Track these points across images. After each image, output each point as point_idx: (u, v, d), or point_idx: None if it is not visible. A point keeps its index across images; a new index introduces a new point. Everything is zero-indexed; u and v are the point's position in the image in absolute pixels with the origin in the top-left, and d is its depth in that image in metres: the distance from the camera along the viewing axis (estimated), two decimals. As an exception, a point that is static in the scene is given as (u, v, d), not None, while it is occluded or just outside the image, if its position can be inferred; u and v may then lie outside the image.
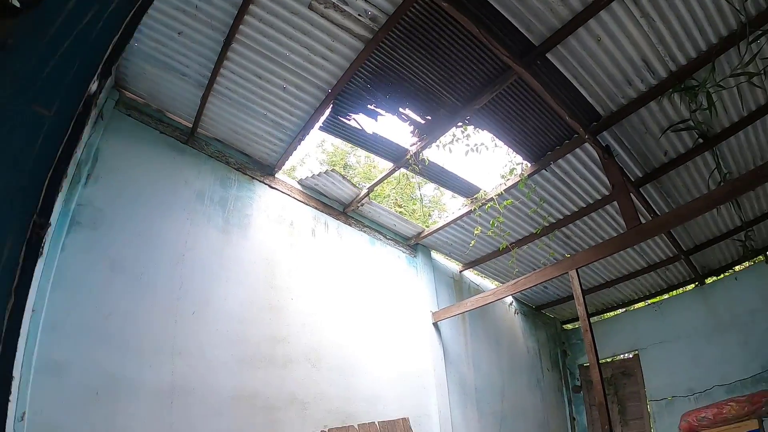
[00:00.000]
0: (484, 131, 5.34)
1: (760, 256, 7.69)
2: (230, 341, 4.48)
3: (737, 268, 8.28)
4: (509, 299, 8.36)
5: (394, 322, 6.08)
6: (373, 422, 5.16)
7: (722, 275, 8.37)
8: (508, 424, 7.13)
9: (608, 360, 9.21)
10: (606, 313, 9.69)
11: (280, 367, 4.73)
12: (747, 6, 4.06)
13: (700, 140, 5.42)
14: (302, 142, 5.26)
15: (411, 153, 5.46)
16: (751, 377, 7.46)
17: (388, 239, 6.52)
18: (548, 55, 4.46)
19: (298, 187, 5.78)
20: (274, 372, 4.68)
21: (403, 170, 6.10)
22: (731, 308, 7.93)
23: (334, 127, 5.21)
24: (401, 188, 12.26)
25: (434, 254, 7.21)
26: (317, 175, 5.81)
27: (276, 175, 5.60)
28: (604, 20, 4.17)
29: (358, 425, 5.04)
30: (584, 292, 8.01)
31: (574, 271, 5.26)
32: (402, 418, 5.36)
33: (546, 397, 8.51)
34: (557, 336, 9.56)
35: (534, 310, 9.13)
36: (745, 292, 7.85)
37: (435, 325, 6.41)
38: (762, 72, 4.54)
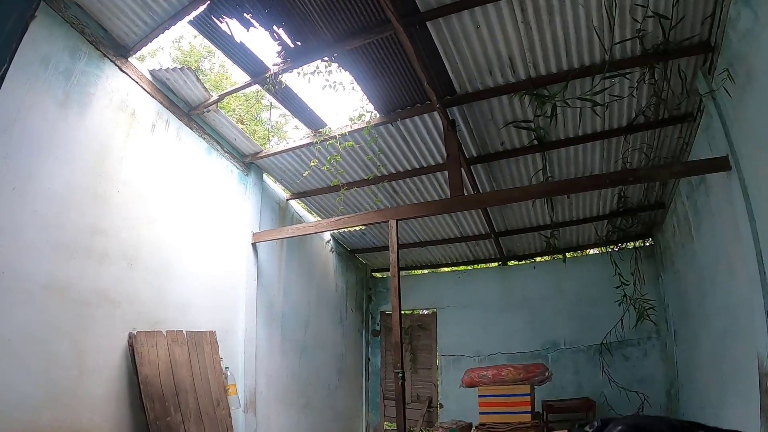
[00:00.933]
0: (347, 72, 5.94)
1: (559, 255, 9.77)
2: (48, 225, 4.55)
3: (538, 258, 10.39)
4: (327, 237, 9.35)
5: (216, 235, 6.58)
6: (182, 331, 5.70)
7: (523, 261, 10.40)
8: (308, 352, 8.25)
9: (408, 312, 10.85)
10: (414, 270, 11.33)
11: (96, 260, 4.95)
12: (614, 48, 5.25)
13: (536, 142, 6.71)
14: (166, 31, 5.38)
15: (271, 72, 5.90)
16: (530, 352, 9.69)
17: (225, 152, 6.88)
18: (429, 24, 5.17)
19: (149, 77, 5.87)
20: (90, 265, 4.88)
21: (257, 87, 6.51)
22: (525, 291, 10.02)
23: (203, 26, 5.45)
24: (249, 106, 12.53)
25: (266, 177, 7.77)
26: (171, 69, 5.93)
27: (129, 59, 5.66)
28: (489, 13, 5.03)
29: (167, 332, 5.52)
30: (399, 246, 9.45)
31: (394, 221, 6.18)
32: (209, 331, 6.02)
33: (347, 335, 9.88)
34: (366, 281, 11.00)
35: (349, 252, 10.30)
36: (539, 281, 9.97)
37: (254, 246, 7.02)
38: (605, 105, 5.93)
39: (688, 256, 7.36)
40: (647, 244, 9.52)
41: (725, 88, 4.98)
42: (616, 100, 5.94)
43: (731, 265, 5.60)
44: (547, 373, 7.44)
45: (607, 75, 5.39)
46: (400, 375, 5.49)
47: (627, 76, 5.56)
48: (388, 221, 6.31)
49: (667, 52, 5.21)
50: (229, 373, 6.10)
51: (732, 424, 5.61)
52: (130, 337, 5.16)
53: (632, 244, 9.43)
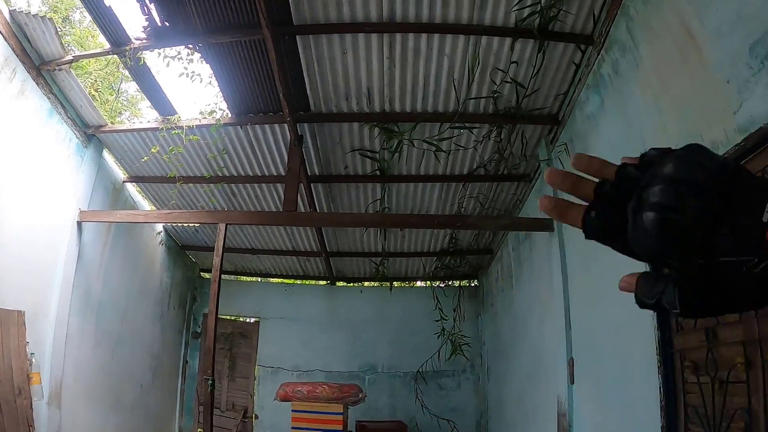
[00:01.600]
0: (207, 66, 5.69)
1: (387, 283, 10.01)
2: None
3: (365, 283, 10.60)
4: (159, 228, 8.75)
5: (38, 205, 5.88)
6: None
7: (351, 284, 10.57)
8: (123, 347, 7.61)
9: (232, 318, 10.56)
10: (243, 275, 11.06)
11: None
12: (468, 102, 5.52)
13: (378, 172, 6.84)
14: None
15: (132, 46, 5.45)
16: (348, 372, 9.89)
17: (68, 117, 6.27)
18: (298, 38, 5.12)
19: (7, 17, 5.28)
20: None
21: (116, 57, 6.03)
22: (349, 313, 10.19)
23: (77, -25, 5.05)
24: (108, 73, 11.64)
25: (106, 154, 7.13)
26: (33, 15, 5.38)
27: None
28: (358, 42, 5.08)
29: None
30: (229, 249, 8.87)
31: (224, 225, 5.98)
32: (18, 311, 5.42)
33: (166, 333, 9.30)
34: (192, 280, 10.49)
35: (179, 248, 9.79)
36: (364, 305, 10.22)
37: (79, 225, 6.30)
38: (449, 152, 6.27)
39: (506, 301, 8.09)
40: (472, 284, 10.34)
41: (560, 160, 5.70)
42: (460, 149, 6.27)
43: (542, 316, 6.24)
44: (361, 395, 7.65)
45: (455, 126, 5.69)
46: (210, 381, 5.31)
47: (473, 130, 5.91)
48: (218, 223, 6.13)
49: (516, 117, 5.61)
50: (34, 360, 5.44)
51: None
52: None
53: (458, 282, 10.08)
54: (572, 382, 5.17)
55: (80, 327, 6.55)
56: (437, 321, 9.07)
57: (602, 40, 4.53)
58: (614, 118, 4.41)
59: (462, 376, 9.86)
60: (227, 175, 7.30)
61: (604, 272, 4.61)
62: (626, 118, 4.19)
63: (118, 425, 7.61)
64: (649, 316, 3.78)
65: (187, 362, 10.23)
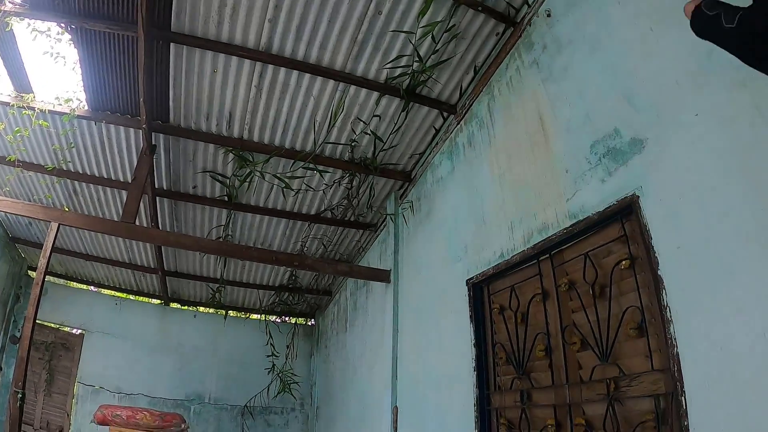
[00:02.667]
0: (75, 51, 5.18)
1: (222, 311, 9.76)
2: None
3: (201, 308, 10.16)
4: None
5: None
6: None
7: (186, 307, 10.07)
8: None
9: (55, 326, 9.54)
10: (73, 281, 9.98)
11: None
12: (325, 146, 5.65)
13: (226, 198, 6.72)
14: None
15: (3, 8, 4.84)
16: (174, 400, 9.25)
17: None
18: (172, 45, 4.92)
19: None
20: None
21: None
22: (180, 337, 9.65)
23: None
24: None
25: None
26: None
27: None
28: (231, 64, 4.99)
29: None
30: (60, 250, 8.47)
31: (57, 224, 5.49)
32: None
33: None
34: (19, 278, 9.21)
35: (8, 239, 8.75)
36: (197, 331, 9.75)
37: None
38: (297, 191, 6.33)
39: (339, 344, 8.15)
40: (309, 323, 10.28)
41: (404, 216, 5.91)
42: (310, 189, 6.35)
43: (372, 362, 6.35)
44: (183, 425, 7.16)
45: (308, 167, 5.77)
46: (20, 395, 4.77)
47: (325, 175, 6.01)
48: (50, 222, 5.53)
49: (370, 168, 5.77)
50: None
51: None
52: None
53: (294, 319, 10.02)
54: (395, 429, 5.30)
55: None
56: (269, 356, 8.91)
57: (464, 111, 4.85)
58: (461, 185, 4.70)
59: (291, 414, 9.68)
60: (72, 171, 6.73)
61: (431, 329, 4.86)
62: (471, 188, 4.49)
63: None
64: (469, 375, 4.00)
65: (1, 369, 8.92)
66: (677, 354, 2.33)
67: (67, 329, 9.76)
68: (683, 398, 2.27)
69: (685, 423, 2.24)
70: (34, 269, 9.60)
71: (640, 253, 2.67)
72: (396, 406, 5.34)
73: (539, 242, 3.38)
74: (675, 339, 2.35)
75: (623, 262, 2.78)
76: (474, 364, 3.99)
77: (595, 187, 2.95)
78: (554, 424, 3.15)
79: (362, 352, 6.82)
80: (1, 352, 8.97)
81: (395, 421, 5.32)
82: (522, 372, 3.52)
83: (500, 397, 3.76)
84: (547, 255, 3.40)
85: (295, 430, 9.67)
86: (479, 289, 4.18)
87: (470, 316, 4.14)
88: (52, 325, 9.52)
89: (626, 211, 2.76)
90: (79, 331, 9.62)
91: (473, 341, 4.04)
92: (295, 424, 9.69)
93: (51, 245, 5.37)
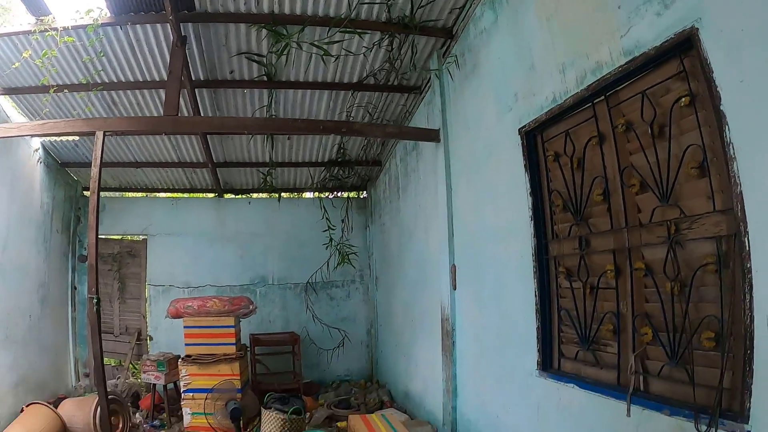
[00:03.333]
0: None
1: (275, 194, 9.95)
2: None
3: (254, 195, 10.42)
4: (36, 145, 7.97)
5: None
6: None
7: (240, 196, 10.35)
8: (6, 277, 6.99)
9: (119, 237, 10.09)
10: (128, 192, 10.43)
11: None
12: (361, 8, 5.37)
13: (265, 77, 6.59)
14: None
15: None
16: (240, 286, 9.83)
17: None
18: None
19: None
20: None
21: None
22: (238, 226, 10.01)
23: None
24: None
25: None
26: None
27: None
28: None
29: None
30: (111, 164, 8.70)
31: (102, 133, 5.53)
32: None
33: (51, 259, 8.63)
34: (75, 200, 9.74)
35: (59, 165, 9.00)
36: (253, 217, 10.07)
37: None
38: (337, 57, 6.10)
39: (393, 212, 8.31)
40: (361, 196, 10.46)
41: (449, 71, 5.72)
42: (350, 55, 6.14)
43: (427, 225, 6.49)
44: (251, 306, 7.66)
45: (345, 30, 5.54)
46: (95, 300, 5.04)
47: (364, 36, 5.78)
48: (95, 132, 5.57)
49: (409, 27, 5.50)
50: None
51: (421, 361, 6.62)
52: None
53: (346, 194, 10.14)
54: (454, 288, 5.51)
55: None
56: (325, 231, 9.16)
57: (502, -44, 4.51)
58: (506, 34, 4.47)
59: (351, 287, 10.16)
60: (106, 81, 6.68)
61: (485, 183, 4.86)
62: (517, 35, 4.26)
63: (11, 364, 7.08)
64: (526, 225, 4.05)
65: (75, 288, 9.60)
66: (740, 193, 2.27)
67: (129, 238, 10.31)
68: (746, 239, 2.24)
69: (748, 265, 2.23)
70: (85, 188, 9.97)
71: (701, 89, 2.55)
72: (454, 265, 5.50)
73: (593, 83, 3.24)
74: (738, 177, 2.28)
75: (683, 100, 2.66)
76: (530, 214, 4.01)
77: (650, 21, 2.76)
78: (613, 269, 3.19)
79: (417, 216, 6.95)
80: (72, 272, 9.55)
81: (454, 280, 5.51)
82: (580, 218, 3.53)
83: (558, 246, 3.81)
84: (602, 96, 3.27)
85: (356, 301, 10.19)
86: (532, 137, 4.10)
87: (524, 166, 4.10)
88: (116, 237, 10.07)
89: (685, 45, 2.60)
90: (142, 237, 10.06)
91: (529, 190, 4.03)
92: (356, 296, 10.20)
93: (100, 153, 5.47)
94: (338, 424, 7.03)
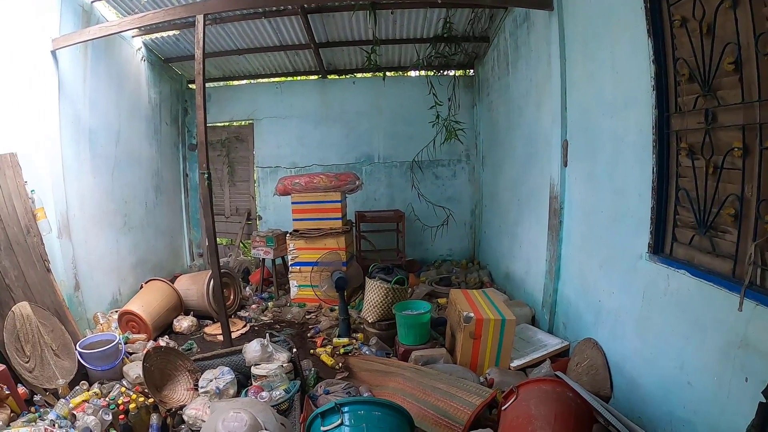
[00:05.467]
0: None
1: (379, 73, 9.89)
2: None
3: (358, 75, 10.38)
4: (138, 44, 8.34)
5: (7, 45, 5.59)
6: None
7: (343, 76, 10.36)
8: (122, 168, 7.73)
9: (225, 124, 10.56)
10: (232, 80, 10.78)
11: None
12: None
13: None
14: None
15: None
16: (346, 164, 10.16)
17: None
18: None
19: None
20: None
21: None
22: (342, 106, 10.17)
23: None
24: None
25: None
26: None
27: None
28: None
29: None
30: (213, 54, 8.93)
31: (202, 16, 5.61)
32: (9, 153, 5.39)
33: (162, 150, 9.36)
34: (181, 93, 10.28)
35: (162, 61, 9.43)
36: (357, 96, 10.14)
37: (53, 54, 6.15)
38: None
39: (502, 89, 7.99)
40: (468, 74, 10.11)
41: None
42: None
43: (539, 100, 6.22)
44: (357, 182, 7.95)
45: None
46: (206, 175, 5.35)
47: None
48: (195, 16, 5.65)
49: None
50: (36, 197, 5.62)
51: (526, 239, 6.67)
52: None
53: (453, 72, 9.85)
54: (565, 165, 5.34)
55: (76, 156, 6.57)
56: (431, 108, 9.11)
57: None
58: None
59: (457, 166, 10.13)
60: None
61: (602, 52, 4.51)
62: None
63: (132, 246, 8.07)
64: (647, 96, 3.75)
65: (187, 175, 10.46)
66: None
67: (236, 123, 10.69)
68: None
69: None
70: (189, 81, 10.46)
71: None
72: (566, 140, 5.30)
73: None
74: None
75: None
76: (653, 84, 3.70)
77: None
78: (741, 147, 2.92)
79: (527, 91, 6.66)
80: (183, 161, 10.30)
81: (565, 156, 5.33)
82: (707, 89, 3.23)
83: (681, 120, 3.53)
84: (738, -49, 2.84)
85: (462, 180, 10.17)
86: (657, 1, 3.69)
87: (648, 31, 3.73)
88: (224, 123, 10.52)
89: None
90: (248, 122, 10.50)
91: (652, 58, 3.69)
92: (462, 175, 10.17)
93: (202, 37, 5.58)
94: (438, 300, 7.35)
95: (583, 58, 4.94)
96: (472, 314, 4.94)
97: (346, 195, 8.10)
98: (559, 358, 5.01)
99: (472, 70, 9.92)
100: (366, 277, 6.49)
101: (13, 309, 4.94)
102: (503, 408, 3.68)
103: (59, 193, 6.14)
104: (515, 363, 4.97)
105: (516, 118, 7.20)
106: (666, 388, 3.50)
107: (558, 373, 4.12)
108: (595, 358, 4.40)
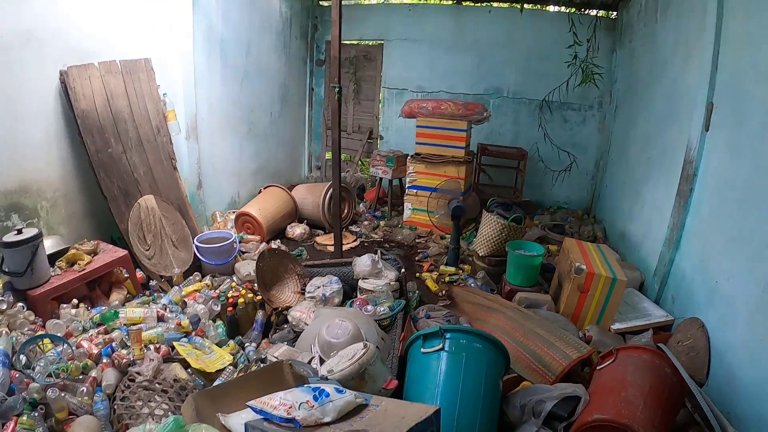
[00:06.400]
0: None
1: (517, 4, 9.37)
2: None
3: (494, 4, 9.87)
4: None
5: None
6: (115, 61, 5.39)
7: (479, 4, 9.91)
8: (250, 79, 8.03)
9: (355, 43, 10.48)
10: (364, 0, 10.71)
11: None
12: None
13: None
14: None
15: None
16: (473, 95, 9.89)
17: None
18: None
19: None
20: (4, 7, 4.34)
21: None
22: (476, 34, 9.72)
23: None
24: None
25: None
26: None
27: None
28: None
29: (99, 63, 5.22)
30: None
31: None
32: (144, 59, 5.69)
33: (291, 63, 9.57)
34: (311, 9, 10.32)
35: None
36: (492, 27, 9.64)
37: None
38: None
39: (647, 37, 7.29)
40: (611, 15, 9.29)
41: None
42: None
43: (686, 55, 5.64)
44: (485, 113, 7.74)
45: None
46: (337, 89, 5.34)
47: None
48: None
49: None
50: (167, 100, 6.01)
51: (650, 201, 6.29)
52: (62, 74, 4.92)
53: (595, 12, 9.16)
54: (707, 129, 4.86)
55: (207, 64, 6.89)
56: (569, 47, 8.64)
57: None
58: None
59: (588, 112, 9.50)
60: None
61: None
62: None
63: (254, 153, 8.50)
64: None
65: (313, 90, 10.68)
66: None
67: (365, 42, 10.58)
68: None
69: None
70: None
71: None
72: (711, 103, 4.80)
73: None
74: None
75: None
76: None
77: None
78: None
79: (676, 43, 6.05)
80: (310, 76, 10.47)
81: (708, 119, 4.84)
82: None
83: None
84: None
85: (591, 127, 9.55)
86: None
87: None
88: (353, 42, 10.42)
89: None
90: (378, 42, 10.35)
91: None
92: (591, 122, 9.54)
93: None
94: (549, 246, 7.18)
95: (744, 16, 4.38)
96: (584, 266, 4.79)
97: (472, 125, 7.94)
98: (661, 331, 4.77)
99: (615, 12, 9.10)
100: (483, 210, 6.43)
101: (139, 201, 5.40)
102: (598, 368, 3.62)
103: (190, 98, 6.53)
104: (616, 326, 4.80)
105: (659, 71, 6.60)
106: (766, 389, 3.26)
107: (661, 345, 3.92)
108: (699, 340, 4.15)
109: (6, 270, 4.11)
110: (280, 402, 2.47)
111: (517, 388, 3.72)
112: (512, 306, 4.99)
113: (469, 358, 3.20)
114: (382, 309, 4.69)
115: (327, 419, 2.40)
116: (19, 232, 4.19)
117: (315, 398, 2.46)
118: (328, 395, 2.50)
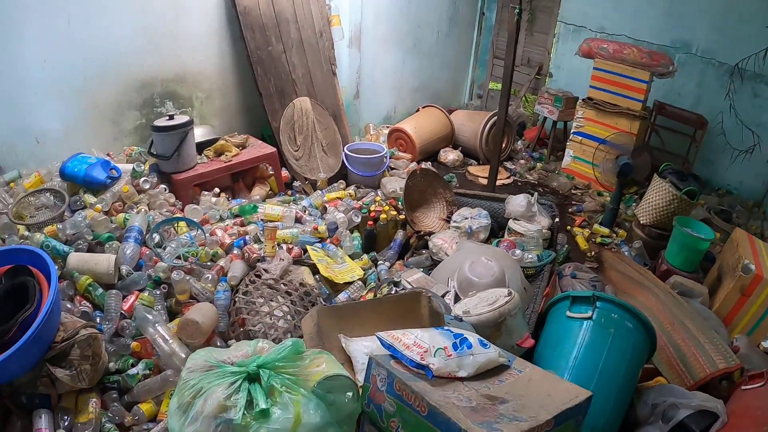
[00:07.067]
0: None
1: None
2: None
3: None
4: None
5: None
6: None
7: None
8: None
9: None
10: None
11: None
12: None
13: None
14: None
15: None
16: (658, 45, 8.68)
17: None
18: None
19: None
20: None
21: None
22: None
23: None
24: None
25: None
26: None
27: None
28: None
29: None
30: None
31: None
32: None
33: None
34: None
35: None
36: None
37: None
38: None
39: None
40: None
41: None
42: None
43: None
44: (671, 68, 7.00)
45: None
46: (517, 10, 5.00)
47: None
48: None
49: None
50: (332, 4, 5.92)
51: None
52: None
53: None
54: None
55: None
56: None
57: None
58: None
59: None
60: None
61: None
62: None
63: (415, 69, 8.19)
64: None
65: (483, 14, 10.03)
66: None
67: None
68: None
69: None
70: None
71: None
72: None
73: None
74: None
75: None
76: None
77: None
78: None
79: None
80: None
81: None
82: None
83: None
84: None
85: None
86: None
87: None
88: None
89: None
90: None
91: None
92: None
93: None
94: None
95: None
96: (753, 266, 4.18)
97: (654, 78, 7.13)
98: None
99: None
100: (655, 174, 5.81)
101: (294, 101, 5.44)
102: (743, 387, 3.13)
103: (356, 5, 6.36)
104: (766, 343, 4.19)
105: None
106: None
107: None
108: None
109: (154, 153, 4.32)
110: (414, 342, 2.15)
111: (649, 381, 3.34)
112: (665, 288, 4.41)
113: (616, 336, 2.84)
114: (529, 256, 4.26)
115: (462, 374, 2.11)
116: (171, 118, 4.35)
117: (455, 346, 2.15)
118: (471, 347, 2.19)
